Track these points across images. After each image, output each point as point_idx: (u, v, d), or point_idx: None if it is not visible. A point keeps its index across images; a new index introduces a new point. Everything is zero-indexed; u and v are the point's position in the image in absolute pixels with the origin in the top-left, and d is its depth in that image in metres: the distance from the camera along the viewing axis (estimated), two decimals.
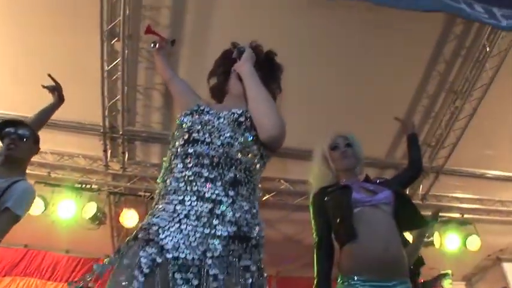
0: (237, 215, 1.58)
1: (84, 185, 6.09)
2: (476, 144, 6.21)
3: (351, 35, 5.22)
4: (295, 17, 5.00)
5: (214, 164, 1.64)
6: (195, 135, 1.72)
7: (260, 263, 1.59)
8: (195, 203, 1.56)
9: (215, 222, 1.53)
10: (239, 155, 1.70)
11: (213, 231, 1.52)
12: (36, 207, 5.70)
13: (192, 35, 5.11)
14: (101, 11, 4.71)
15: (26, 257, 6.80)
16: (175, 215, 1.54)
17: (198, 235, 1.50)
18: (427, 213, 6.88)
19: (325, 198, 2.49)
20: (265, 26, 4.86)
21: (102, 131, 5.57)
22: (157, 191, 1.73)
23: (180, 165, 1.65)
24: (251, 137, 1.75)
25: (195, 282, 1.44)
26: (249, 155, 1.74)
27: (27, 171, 5.30)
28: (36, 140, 3.19)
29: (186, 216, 1.53)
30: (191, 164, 1.64)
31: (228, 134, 1.73)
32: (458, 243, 6.79)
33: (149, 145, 6.02)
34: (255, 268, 1.54)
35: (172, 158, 1.72)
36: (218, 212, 1.55)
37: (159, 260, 1.45)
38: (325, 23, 5.09)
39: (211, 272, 1.44)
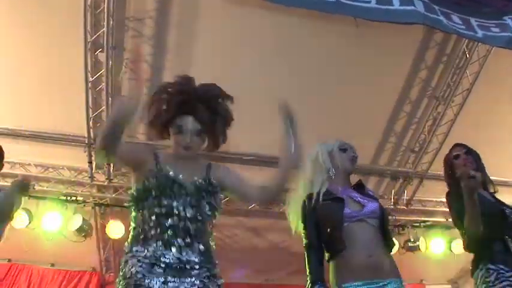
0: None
1: (69, 197, 6.01)
2: None
3: (332, 45, 5.30)
4: (277, 26, 5.05)
5: (187, 234, 1.98)
6: (167, 209, 1.99)
7: None
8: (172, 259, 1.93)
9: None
10: (205, 227, 2.08)
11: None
12: (21, 220, 5.63)
13: (176, 45, 5.12)
14: (85, 21, 4.69)
15: (10, 272, 6.69)
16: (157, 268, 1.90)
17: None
18: (412, 218, 7.00)
19: (317, 206, 2.58)
20: (246, 35, 4.90)
21: (86, 142, 5.52)
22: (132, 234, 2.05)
23: (157, 232, 1.97)
24: (210, 211, 2.10)
25: None
26: (210, 223, 2.14)
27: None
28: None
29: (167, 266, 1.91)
30: (167, 236, 1.95)
31: (195, 209, 2.03)
32: (443, 247, 6.85)
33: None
34: None
35: (147, 227, 2.00)
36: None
37: None
38: (306, 34, 5.17)
39: None
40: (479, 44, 5.40)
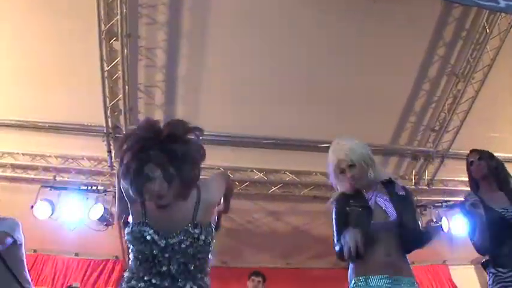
0: None
1: (90, 187, 6.07)
2: (480, 126, 6.17)
3: (349, 25, 5.21)
4: (292, 14, 4.99)
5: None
6: (157, 268, 2.02)
7: None
8: None
9: None
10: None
11: None
12: (43, 211, 5.70)
13: (190, 31, 5.09)
14: (98, 11, 4.69)
15: (37, 263, 6.79)
16: None
17: None
18: (434, 198, 6.92)
19: (347, 208, 2.56)
20: (257, 14, 4.85)
21: (105, 131, 5.55)
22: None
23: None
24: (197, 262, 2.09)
25: None
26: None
27: (32, 176, 5.38)
28: None
29: None
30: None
31: (182, 261, 2.04)
32: (466, 227, 6.75)
33: None
34: None
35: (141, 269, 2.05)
36: None
37: None
38: (323, 15, 5.09)
39: None
40: (500, 17, 5.28)
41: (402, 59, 5.60)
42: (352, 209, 2.55)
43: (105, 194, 6.15)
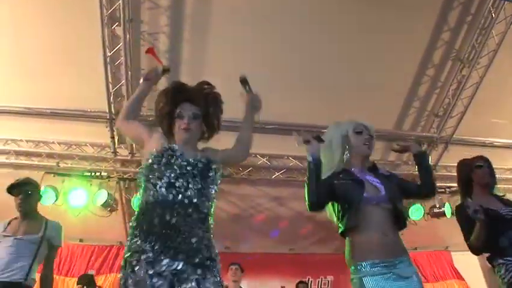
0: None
1: (93, 173, 6.10)
2: (484, 112, 6.16)
3: (351, 10, 5.17)
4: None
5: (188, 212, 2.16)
6: (173, 186, 2.18)
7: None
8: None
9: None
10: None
11: None
12: (47, 198, 5.72)
13: (193, 15, 5.05)
14: None
15: None
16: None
17: None
18: (437, 184, 6.91)
19: (335, 182, 2.57)
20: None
21: (108, 117, 5.54)
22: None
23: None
24: (213, 191, 2.31)
25: None
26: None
27: (36, 162, 5.40)
28: None
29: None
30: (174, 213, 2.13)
31: (200, 186, 2.23)
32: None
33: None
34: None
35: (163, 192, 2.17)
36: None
37: None
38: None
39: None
40: (506, 2, 5.22)
41: (406, 44, 5.54)
42: (341, 182, 2.56)
43: (109, 180, 6.18)
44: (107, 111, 5.49)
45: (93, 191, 6.05)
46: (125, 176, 6.26)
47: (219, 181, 2.36)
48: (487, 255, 3.08)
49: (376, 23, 5.26)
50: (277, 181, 6.52)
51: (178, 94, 2.44)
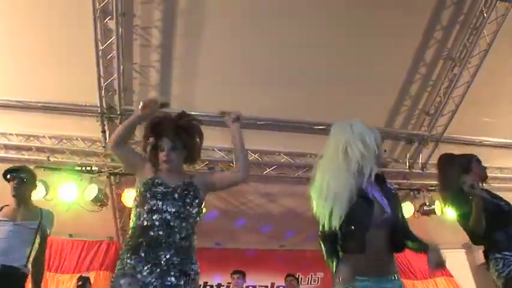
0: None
1: (84, 168, 6.04)
2: (475, 111, 6.21)
3: (344, 7, 5.17)
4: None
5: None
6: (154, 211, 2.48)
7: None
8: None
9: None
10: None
11: None
12: (37, 192, 5.65)
13: (186, 10, 5.03)
14: None
15: None
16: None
17: None
18: (427, 182, 6.96)
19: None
20: None
21: (99, 111, 5.51)
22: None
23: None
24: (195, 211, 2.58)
25: None
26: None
27: (26, 156, 5.35)
28: None
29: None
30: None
31: (179, 208, 2.51)
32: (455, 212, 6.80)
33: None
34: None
35: (145, 217, 2.48)
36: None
37: None
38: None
39: None
40: (498, 2, 5.26)
41: (399, 42, 5.57)
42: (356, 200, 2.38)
43: (99, 175, 6.13)
44: (98, 105, 5.45)
45: (83, 185, 5.99)
46: (115, 171, 6.22)
47: (202, 202, 2.64)
48: (479, 251, 3.12)
49: (369, 20, 5.28)
50: (268, 177, 6.52)
51: (157, 128, 2.70)
